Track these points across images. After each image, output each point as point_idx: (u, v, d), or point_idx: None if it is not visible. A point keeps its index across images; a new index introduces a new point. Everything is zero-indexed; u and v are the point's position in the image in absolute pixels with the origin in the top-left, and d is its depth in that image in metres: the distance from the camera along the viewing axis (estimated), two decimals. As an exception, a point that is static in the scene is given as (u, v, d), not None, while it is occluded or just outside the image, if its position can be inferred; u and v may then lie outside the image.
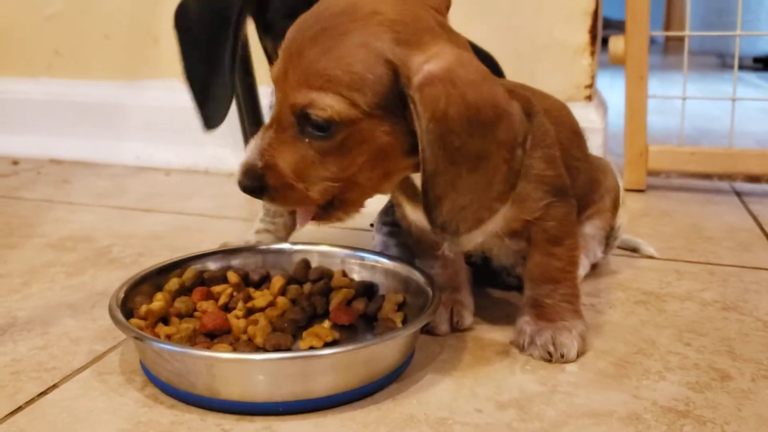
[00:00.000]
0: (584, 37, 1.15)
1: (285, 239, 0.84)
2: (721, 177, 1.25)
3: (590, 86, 1.17)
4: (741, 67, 3.67)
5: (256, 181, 0.52)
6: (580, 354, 0.62)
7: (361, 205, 0.56)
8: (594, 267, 0.82)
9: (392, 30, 0.50)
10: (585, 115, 1.15)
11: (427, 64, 0.49)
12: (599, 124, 1.16)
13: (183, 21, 0.69)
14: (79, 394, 0.55)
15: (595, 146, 1.16)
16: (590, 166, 0.78)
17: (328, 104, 0.49)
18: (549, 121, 0.64)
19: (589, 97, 1.17)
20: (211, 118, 0.68)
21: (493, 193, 0.51)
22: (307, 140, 0.51)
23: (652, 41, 6.12)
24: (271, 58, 0.68)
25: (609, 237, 0.81)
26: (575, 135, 0.73)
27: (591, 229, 0.79)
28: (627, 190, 1.22)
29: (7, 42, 1.47)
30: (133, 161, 1.38)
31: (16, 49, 1.47)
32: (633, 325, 0.68)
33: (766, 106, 1.17)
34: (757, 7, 3.00)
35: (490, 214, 0.52)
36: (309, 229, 0.95)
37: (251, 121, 1.21)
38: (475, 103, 0.49)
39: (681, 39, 5.52)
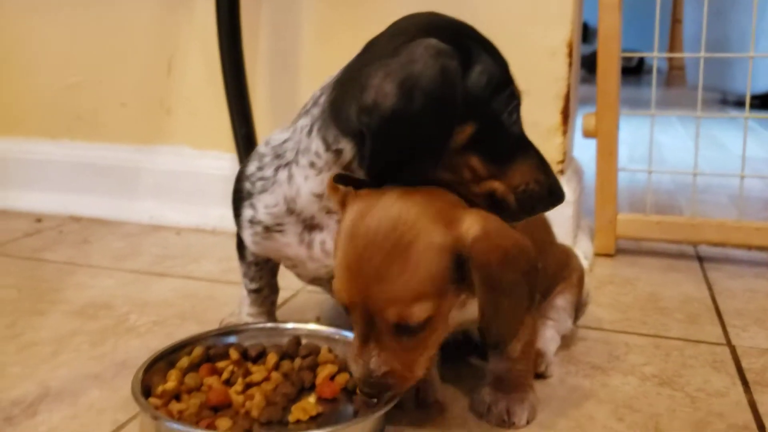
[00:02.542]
0: (557, 119, 1.27)
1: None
2: (687, 242, 1.36)
3: (562, 161, 1.28)
4: (739, 104, 3.77)
5: (382, 389, 0.65)
6: (530, 421, 0.74)
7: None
8: (563, 338, 0.92)
9: (438, 220, 0.62)
10: (557, 189, 1.27)
11: (469, 230, 0.61)
12: (570, 197, 1.27)
13: (400, 126, 0.62)
14: (105, 462, 0.67)
15: (566, 217, 1.27)
16: (557, 248, 0.93)
17: (418, 310, 0.61)
18: None
19: (561, 172, 1.29)
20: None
21: (522, 309, 0.65)
22: (405, 338, 0.63)
23: (657, 71, 6.23)
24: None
25: (578, 309, 0.94)
26: (540, 221, 0.88)
27: (562, 302, 0.91)
28: (597, 254, 1.33)
29: (33, 107, 1.60)
30: (147, 220, 1.50)
31: (40, 113, 1.60)
32: (576, 400, 0.79)
33: (748, 154, 1.28)
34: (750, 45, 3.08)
35: (521, 325, 0.68)
36: (299, 307, 1.06)
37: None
38: (506, 248, 0.62)
39: (682, 70, 5.59)
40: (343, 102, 0.68)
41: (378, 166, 0.64)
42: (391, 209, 0.62)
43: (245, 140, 1.29)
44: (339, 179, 0.70)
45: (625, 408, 0.78)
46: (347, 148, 0.69)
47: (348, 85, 0.69)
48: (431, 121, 0.62)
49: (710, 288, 1.17)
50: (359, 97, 0.63)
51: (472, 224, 0.62)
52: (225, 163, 1.45)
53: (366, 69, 0.64)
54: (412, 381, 0.66)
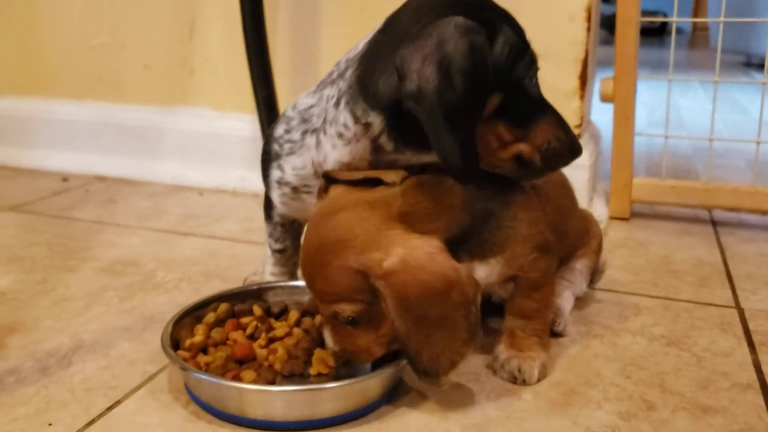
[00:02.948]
0: (574, 83, 1.28)
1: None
2: (701, 207, 1.37)
3: (579, 126, 1.30)
4: (763, 67, 3.69)
5: (343, 359, 0.74)
6: (540, 379, 0.77)
7: None
8: (576, 299, 0.95)
9: (353, 247, 0.66)
10: (573, 153, 1.28)
11: (384, 261, 0.64)
12: (586, 161, 1.29)
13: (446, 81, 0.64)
14: (138, 410, 0.71)
15: (582, 180, 1.29)
16: (579, 213, 0.95)
17: (342, 309, 0.67)
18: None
19: (578, 136, 1.30)
20: (469, 173, 0.69)
21: (459, 342, 0.66)
22: (347, 326, 0.69)
23: (679, 32, 6.08)
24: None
25: (594, 274, 0.98)
26: (564, 188, 0.90)
27: (580, 265, 0.94)
28: (612, 218, 1.35)
29: (57, 68, 1.63)
30: (170, 180, 1.54)
31: (65, 74, 1.63)
32: (586, 358, 0.82)
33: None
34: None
35: (461, 358, 0.66)
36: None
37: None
38: (428, 281, 0.64)
39: (706, 31, 5.52)
40: (371, 77, 0.71)
41: (442, 146, 0.65)
42: (323, 228, 0.69)
43: (266, 102, 1.31)
44: (326, 176, 0.75)
45: (632, 366, 0.81)
46: (376, 121, 0.71)
47: (374, 60, 0.71)
48: (469, 98, 0.65)
49: (722, 252, 1.19)
50: (403, 84, 0.65)
51: (390, 254, 0.64)
52: (245, 124, 1.47)
53: (399, 51, 0.66)
54: (369, 359, 0.71)
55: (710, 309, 0.96)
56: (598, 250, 0.97)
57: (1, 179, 1.57)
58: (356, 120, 0.72)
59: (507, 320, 0.80)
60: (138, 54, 1.56)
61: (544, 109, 0.74)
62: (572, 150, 0.75)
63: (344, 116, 0.73)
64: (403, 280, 0.63)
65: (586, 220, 0.97)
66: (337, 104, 0.74)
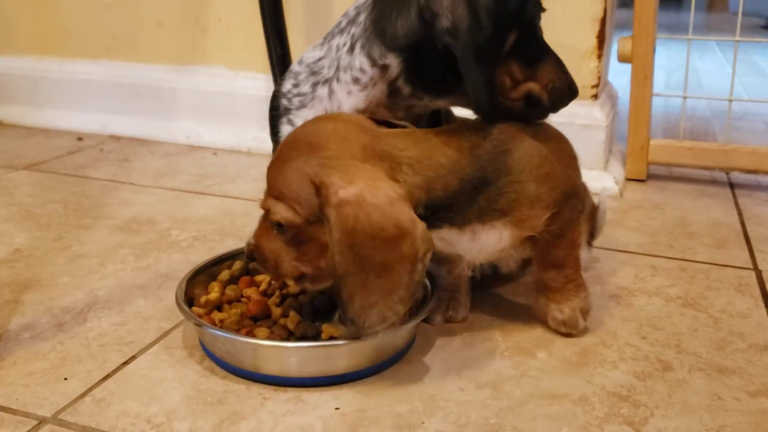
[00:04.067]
0: (592, 42, 1.26)
1: None
2: (719, 168, 1.36)
3: (596, 86, 1.28)
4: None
5: (251, 255, 0.71)
6: (574, 326, 0.77)
7: (324, 284, 0.70)
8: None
9: (319, 157, 0.63)
10: (590, 113, 1.27)
11: (342, 189, 0.61)
12: (603, 122, 1.27)
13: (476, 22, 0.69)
14: (153, 365, 0.71)
15: (598, 141, 1.28)
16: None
17: (278, 210, 0.65)
18: (550, 146, 0.78)
19: (595, 96, 1.28)
20: (493, 111, 0.73)
21: (396, 297, 0.62)
22: (275, 230, 0.67)
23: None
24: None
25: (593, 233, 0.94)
26: (571, 159, 0.85)
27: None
28: (628, 179, 1.34)
29: (71, 27, 1.62)
30: (184, 140, 1.54)
31: (79, 33, 1.62)
32: (602, 318, 0.82)
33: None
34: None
35: (393, 315, 0.62)
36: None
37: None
38: (379, 223, 0.60)
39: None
40: (388, 19, 0.72)
41: (473, 83, 0.69)
42: (306, 127, 0.68)
43: (280, 61, 1.30)
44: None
45: (648, 327, 0.80)
46: (394, 63, 0.72)
47: (390, 2, 0.72)
48: (494, 37, 0.69)
49: (740, 214, 1.17)
50: (437, 21, 0.68)
51: (350, 184, 0.61)
52: (260, 83, 1.46)
53: None
54: (274, 273, 0.69)
55: (727, 270, 0.96)
56: (594, 213, 0.92)
57: (17, 138, 1.58)
58: (373, 63, 0.73)
59: (537, 271, 0.78)
60: (151, 12, 1.54)
61: (546, 50, 0.77)
62: (571, 89, 0.78)
63: (360, 60, 0.73)
64: (354, 213, 0.60)
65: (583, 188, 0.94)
66: (351, 50, 0.74)
